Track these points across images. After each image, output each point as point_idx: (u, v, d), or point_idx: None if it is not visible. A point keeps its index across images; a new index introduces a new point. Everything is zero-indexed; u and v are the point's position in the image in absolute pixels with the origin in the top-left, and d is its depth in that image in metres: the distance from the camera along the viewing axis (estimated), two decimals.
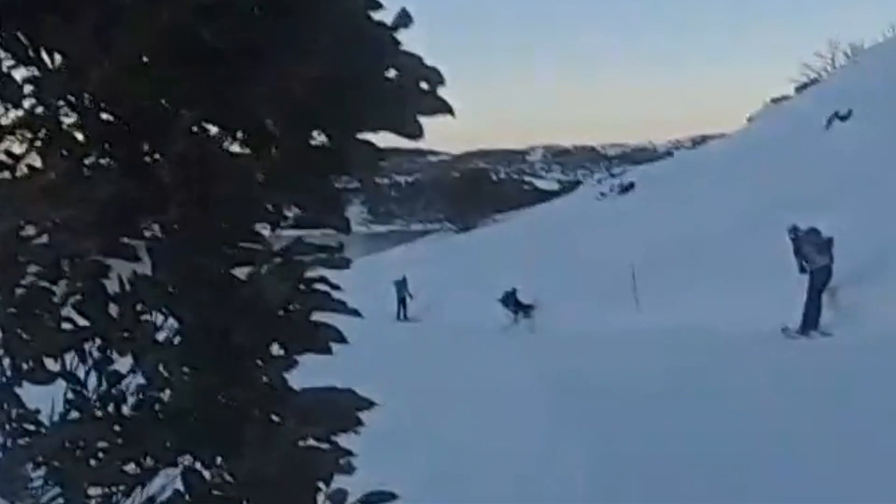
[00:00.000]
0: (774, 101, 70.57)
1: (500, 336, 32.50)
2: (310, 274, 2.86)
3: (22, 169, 2.61)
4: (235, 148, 2.68)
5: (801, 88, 64.92)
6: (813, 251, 20.66)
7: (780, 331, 20.37)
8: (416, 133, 2.50)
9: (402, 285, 45.77)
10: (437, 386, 16.54)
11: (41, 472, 3.07)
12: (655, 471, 10.43)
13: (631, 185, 61.34)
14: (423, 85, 2.45)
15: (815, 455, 10.27)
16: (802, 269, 20.92)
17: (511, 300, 36.89)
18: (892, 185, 25.04)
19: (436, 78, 2.43)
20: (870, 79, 42.93)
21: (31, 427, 3.17)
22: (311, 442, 2.93)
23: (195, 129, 2.61)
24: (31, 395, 3.17)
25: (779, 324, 20.42)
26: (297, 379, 2.98)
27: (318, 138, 2.62)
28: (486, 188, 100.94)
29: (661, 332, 22.42)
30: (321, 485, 3.00)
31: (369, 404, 2.91)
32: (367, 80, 2.47)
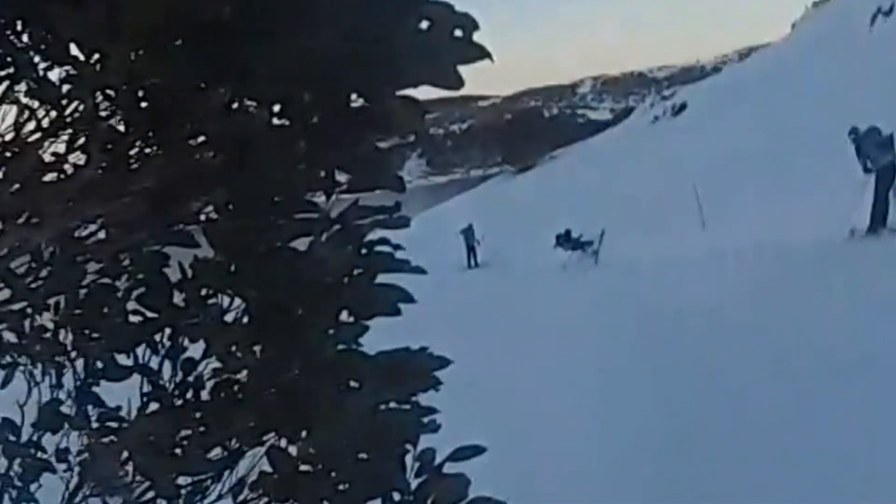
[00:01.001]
0: (816, 4, 69.36)
1: (563, 273, 32.25)
2: (370, 237, 2.82)
3: (67, 170, 2.57)
4: (275, 121, 2.62)
5: None
6: (875, 150, 20.27)
7: (848, 233, 20.06)
8: (456, 83, 2.42)
9: (468, 233, 45.77)
10: (508, 325, 16.66)
11: (129, 467, 3.07)
12: (736, 387, 10.34)
13: (683, 106, 60.78)
14: (457, 33, 2.37)
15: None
16: (867, 170, 20.56)
17: (565, 240, 36.49)
18: None
19: (469, 24, 2.35)
20: None
21: (115, 424, 3.18)
22: (392, 405, 2.90)
23: (230, 106, 2.56)
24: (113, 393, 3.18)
25: (846, 228, 20.10)
26: (382, 339, 2.95)
27: (356, 101, 2.56)
28: (539, 126, 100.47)
29: (728, 251, 22.18)
30: (408, 446, 2.97)
31: (445, 363, 2.87)
32: (396, 35, 2.39)
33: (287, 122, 2.60)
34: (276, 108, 2.59)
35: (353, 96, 2.54)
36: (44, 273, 2.84)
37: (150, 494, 3.08)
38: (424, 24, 2.39)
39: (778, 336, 12.46)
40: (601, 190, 43.32)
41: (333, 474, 2.85)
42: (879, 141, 20.33)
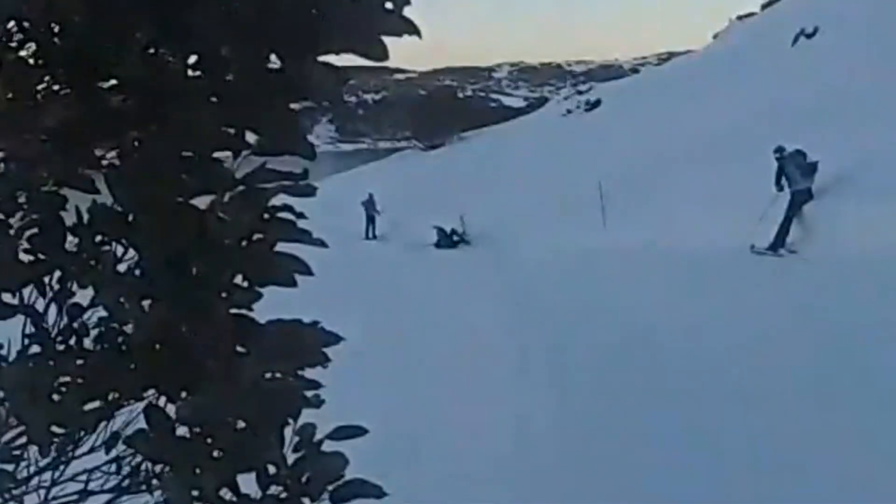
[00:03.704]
0: (740, 18, 70.25)
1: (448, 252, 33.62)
2: (274, 202, 2.77)
3: None
4: (189, 73, 2.57)
5: (767, 6, 64.59)
6: (796, 172, 20.75)
7: (749, 248, 20.51)
8: (381, 55, 2.40)
9: (369, 204, 45.73)
10: (398, 301, 17.03)
11: (2, 409, 3.01)
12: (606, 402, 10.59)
13: (598, 102, 61.21)
14: (388, 5, 2.34)
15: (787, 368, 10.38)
16: (780, 188, 21.02)
17: (443, 235, 37.66)
18: (857, 103, 25.01)
19: None
20: None
21: None
22: (278, 376, 2.86)
23: (146, 52, 2.51)
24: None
25: (747, 242, 20.53)
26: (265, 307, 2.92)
27: (275, 62, 2.52)
28: (452, 105, 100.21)
29: (626, 251, 22.48)
30: (289, 420, 2.94)
31: (336, 339, 2.84)
32: (327, 2, 2.36)
33: (201, 76, 2.54)
34: (193, 59, 2.54)
35: (272, 57, 2.50)
36: None
37: (23, 439, 3.02)
38: None
39: (610, 323, 12.84)
40: (506, 177, 43.51)
41: (209, 440, 2.81)
42: (803, 165, 20.80)
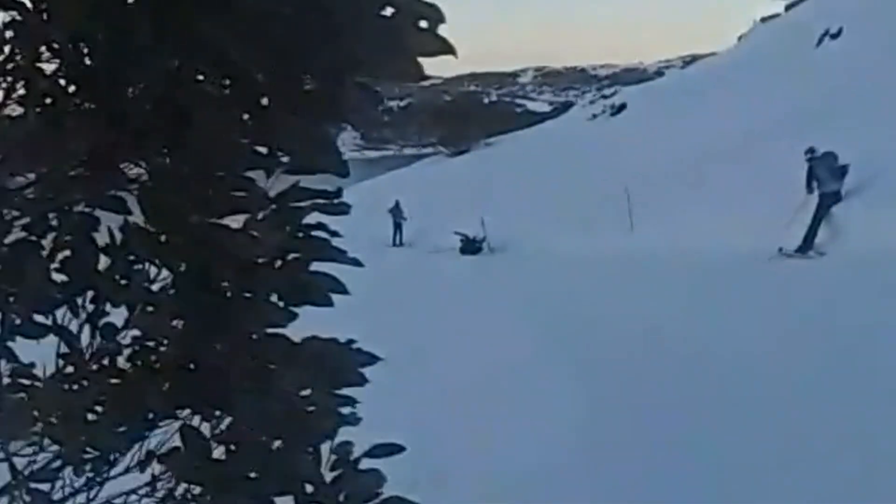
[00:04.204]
0: (764, 20, 69.85)
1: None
2: (308, 220, 2.76)
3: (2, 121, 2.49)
4: (222, 93, 2.56)
5: (791, 7, 64.23)
6: (827, 175, 20.63)
7: (777, 251, 20.38)
8: (417, 76, 2.37)
9: (396, 211, 45.71)
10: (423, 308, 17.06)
11: (38, 428, 3.00)
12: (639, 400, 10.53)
13: (623, 106, 61.03)
14: (422, 23, 2.31)
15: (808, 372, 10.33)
16: (810, 190, 20.91)
17: (467, 241, 37.81)
18: (883, 102, 24.83)
19: (435, 16, 2.29)
20: None
21: (27, 382, 3.10)
22: (314, 395, 2.85)
23: (178, 72, 2.49)
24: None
25: (776, 244, 20.40)
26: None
27: (309, 83, 2.49)
28: (477, 111, 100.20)
29: (654, 256, 22.39)
30: (325, 438, 2.92)
31: (372, 360, 2.82)
32: (360, 21, 2.33)
33: (234, 96, 2.53)
34: (226, 80, 2.52)
35: (306, 78, 2.48)
36: None
37: (58, 459, 3.02)
38: (389, 11, 2.33)
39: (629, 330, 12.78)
40: (533, 183, 43.38)
41: (245, 460, 2.79)
42: (833, 167, 20.68)
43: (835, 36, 40.99)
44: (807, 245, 20.24)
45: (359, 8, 2.32)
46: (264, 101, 2.51)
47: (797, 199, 20.98)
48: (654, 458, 8.95)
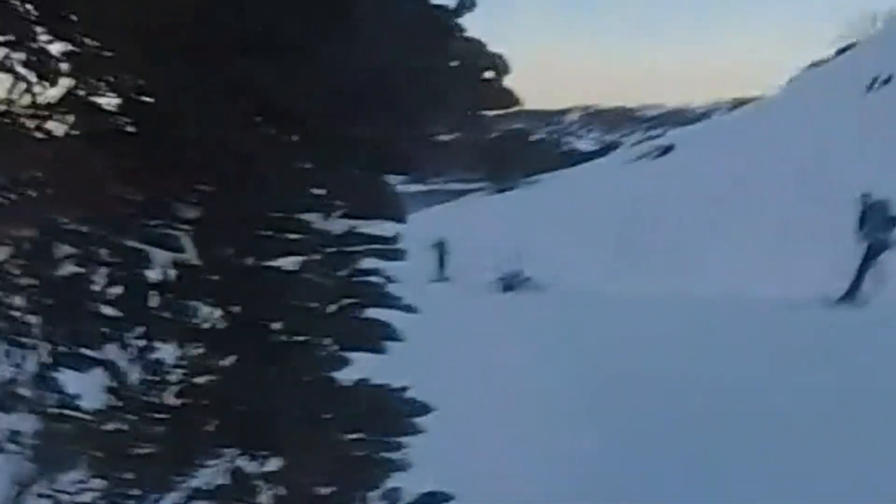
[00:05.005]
0: (814, 64, 69.55)
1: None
2: (363, 265, 2.72)
3: (59, 156, 2.48)
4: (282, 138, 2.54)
5: (842, 52, 63.89)
6: (877, 221, 20.38)
7: (822, 298, 20.14)
8: (480, 130, 2.34)
9: (440, 247, 45.68)
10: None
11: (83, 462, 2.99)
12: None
13: (670, 147, 60.81)
14: (488, 74, 2.26)
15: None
16: (862, 235, 20.58)
17: (506, 278, 38.02)
18: None
19: (501, 66, 2.24)
20: None
21: (72, 413, 3.09)
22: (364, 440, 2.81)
23: (245, 121, 2.47)
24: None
25: (821, 290, 20.18)
26: None
27: (369, 132, 2.46)
28: (523, 148, 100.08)
29: (695, 299, 22.18)
30: (375, 485, 2.88)
31: (425, 410, 2.77)
32: (425, 73, 2.29)
33: (295, 142, 2.50)
34: (284, 124, 2.50)
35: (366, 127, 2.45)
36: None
37: (103, 494, 2.99)
38: (455, 63, 2.29)
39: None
40: (576, 223, 43.33)
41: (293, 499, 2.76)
42: (885, 214, 20.44)
43: (886, 81, 40.78)
44: (853, 292, 20.00)
45: (425, 62, 2.28)
46: (323, 147, 2.48)
47: (847, 246, 20.74)
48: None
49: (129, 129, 2.54)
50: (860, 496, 8.16)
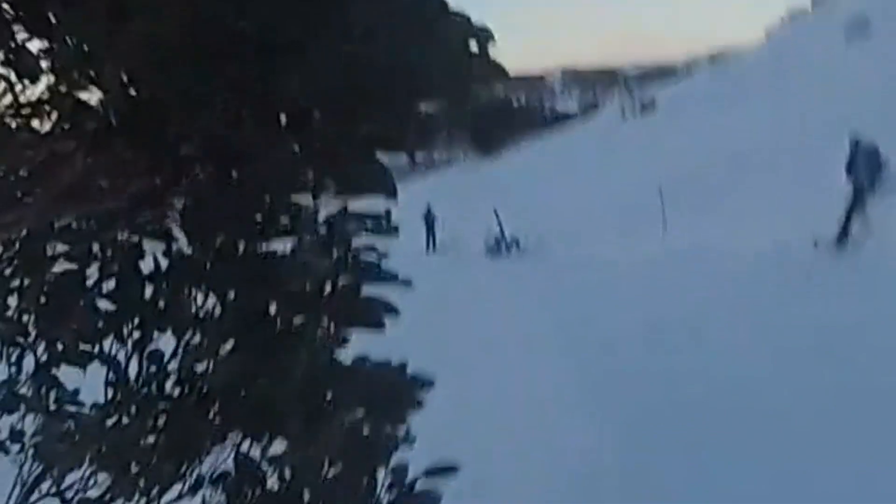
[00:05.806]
0: (792, 16, 69.55)
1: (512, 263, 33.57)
2: (356, 244, 2.72)
3: (49, 153, 2.46)
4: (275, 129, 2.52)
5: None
6: (864, 166, 20.41)
7: (812, 245, 20.21)
8: (468, 103, 2.33)
9: (429, 218, 45.69)
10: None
11: (86, 454, 2.99)
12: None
13: (653, 105, 60.91)
14: (473, 47, 2.25)
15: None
16: (850, 176, 20.58)
17: (497, 245, 38.14)
18: None
19: (485, 37, 2.23)
20: None
21: (72, 409, 3.09)
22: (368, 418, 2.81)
23: (236, 118, 2.45)
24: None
25: (809, 238, 20.25)
26: None
27: (365, 112, 2.45)
28: (507, 115, 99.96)
29: (688, 256, 22.20)
30: (381, 462, 2.88)
31: (427, 384, 2.78)
32: (418, 60, 2.28)
33: (288, 131, 2.48)
34: (279, 117, 2.48)
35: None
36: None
37: (107, 486, 2.99)
38: (443, 40, 2.27)
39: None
40: (565, 186, 43.39)
41: (300, 487, 2.75)
42: (873, 160, 20.47)
43: (863, 28, 40.87)
44: (842, 238, 20.04)
45: (417, 47, 2.26)
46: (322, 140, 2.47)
47: (833, 194, 20.78)
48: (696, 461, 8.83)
49: (114, 121, 2.52)
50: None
